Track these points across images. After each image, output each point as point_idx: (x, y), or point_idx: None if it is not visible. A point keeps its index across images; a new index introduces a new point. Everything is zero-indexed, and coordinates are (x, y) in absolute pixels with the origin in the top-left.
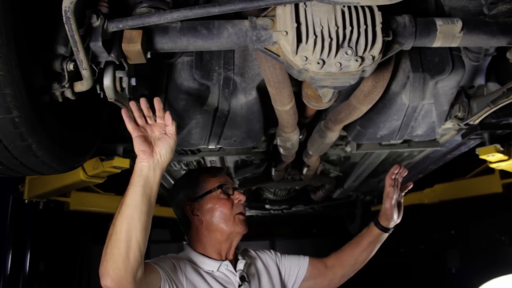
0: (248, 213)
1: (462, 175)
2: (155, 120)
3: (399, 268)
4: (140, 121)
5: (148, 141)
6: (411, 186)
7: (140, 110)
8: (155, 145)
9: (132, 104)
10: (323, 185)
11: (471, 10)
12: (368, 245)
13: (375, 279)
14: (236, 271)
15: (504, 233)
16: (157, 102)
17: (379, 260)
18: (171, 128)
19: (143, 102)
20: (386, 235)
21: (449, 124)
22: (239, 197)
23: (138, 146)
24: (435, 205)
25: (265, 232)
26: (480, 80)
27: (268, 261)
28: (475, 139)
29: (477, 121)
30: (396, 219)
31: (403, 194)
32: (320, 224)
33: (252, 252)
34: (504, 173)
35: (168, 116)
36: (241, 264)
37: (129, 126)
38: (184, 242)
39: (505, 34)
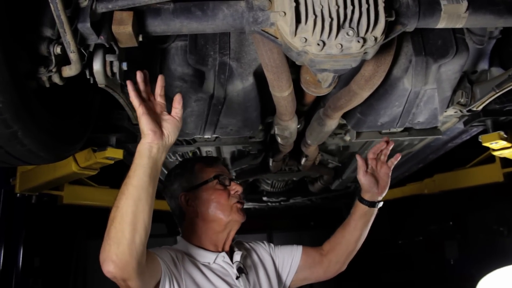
0: (245, 205)
1: (462, 165)
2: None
3: (397, 260)
4: (144, 95)
5: (156, 120)
6: (398, 158)
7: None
8: (162, 127)
9: (130, 83)
10: (321, 176)
11: None
12: (357, 223)
13: (374, 271)
14: (233, 263)
15: (503, 223)
16: (160, 79)
17: (377, 251)
18: (179, 110)
19: (139, 75)
20: (374, 210)
21: (450, 111)
22: (236, 188)
23: (148, 125)
24: (433, 196)
25: (262, 225)
26: (483, 65)
27: (263, 252)
28: (478, 126)
29: (480, 107)
30: (377, 191)
31: (390, 166)
32: (318, 216)
33: (246, 244)
34: (505, 162)
35: (179, 97)
36: (237, 256)
37: (135, 101)
38: (178, 236)
39: None
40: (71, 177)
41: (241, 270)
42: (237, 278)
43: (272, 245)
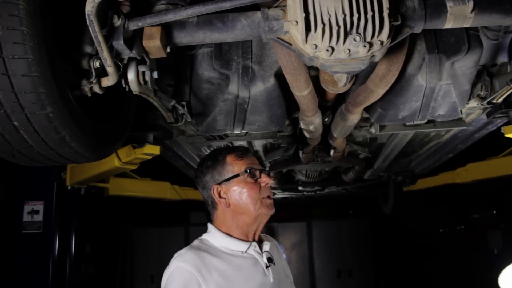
0: (281, 195)
1: (496, 154)
2: None
3: (437, 249)
4: None
5: None
6: None
7: None
8: None
9: None
10: (353, 166)
11: None
12: None
13: (413, 260)
14: (262, 252)
15: None
16: None
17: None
18: None
19: None
20: None
21: (473, 103)
22: (266, 180)
23: None
24: (474, 184)
25: (301, 213)
26: (503, 58)
27: (280, 250)
28: (502, 117)
29: (500, 100)
30: None
31: None
32: (356, 205)
33: (269, 237)
34: None
35: None
36: (267, 246)
37: None
38: (209, 224)
39: None
40: (115, 171)
41: (271, 260)
42: (267, 267)
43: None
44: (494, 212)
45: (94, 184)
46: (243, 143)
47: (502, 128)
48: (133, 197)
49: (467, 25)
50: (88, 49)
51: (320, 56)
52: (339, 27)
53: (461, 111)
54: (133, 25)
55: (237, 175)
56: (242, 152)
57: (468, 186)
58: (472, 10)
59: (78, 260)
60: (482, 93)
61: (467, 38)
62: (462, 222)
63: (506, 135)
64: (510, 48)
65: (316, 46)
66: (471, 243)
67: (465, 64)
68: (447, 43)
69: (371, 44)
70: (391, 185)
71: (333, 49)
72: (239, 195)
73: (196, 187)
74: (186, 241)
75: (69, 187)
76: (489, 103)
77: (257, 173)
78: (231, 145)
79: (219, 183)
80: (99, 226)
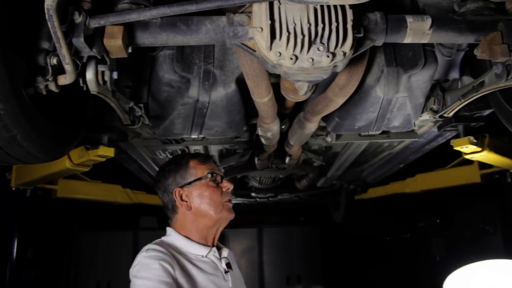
0: (234, 200)
1: (444, 165)
2: None
3: (384, 256)
4: None
5: None
6: None
7: None
8: None
9: None
10: (307, 174)
11: (444, 7)
12: None
13: (362, 267)
14: (221, 258)
15: (489, 222)
16: None
17: (365, 248)
18: None
19: None
20: None
21: (426, 116)
22: (227, 186)
23: None
24: (421, 194)
25: (253, 220)
26: (454, 74)
27: (233, 257)
28: (451, 130)
29: (450, 114)
30: None
31: None
32: (307, 212)
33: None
34: (482, 164)
35: None
36: (225, 252)
37: None
38: (168, 227)
39: (472, 32)
40: (65, 173)
41: (229, 266)
42: (226, 272)
43: None
44: (438, 221)
45: (41, 186)
46: (200, 147)
47: (451, 141)
48: (82, 200)
49: (425, 40)
50: (45, 45)
51: (284, 64)
52: (303, 36)
53: (414, 123)
54: (94, 23)
55: (200, 178)
56: (205, 158)
57: (414, 196)
58: (430, 27)
59: (20, 265)
60: (434, 107)
61: (424, 53)
62: (408, 230)
63: (455, 148)
64: (462, 65)
65: (280, 53)
66: (416, 250)
67: (421, 78)
68: (405, 57)
69: (334, 55)
70: (343, 193)
71: (297, 58)
72: (201, 198)
73: (152, 192)
74: (135, 246)
75: (13, 188)
76: (441, 116)
77: (219, 178)
78: (187, 150)
79: (181, 186)
80: (44, 230)
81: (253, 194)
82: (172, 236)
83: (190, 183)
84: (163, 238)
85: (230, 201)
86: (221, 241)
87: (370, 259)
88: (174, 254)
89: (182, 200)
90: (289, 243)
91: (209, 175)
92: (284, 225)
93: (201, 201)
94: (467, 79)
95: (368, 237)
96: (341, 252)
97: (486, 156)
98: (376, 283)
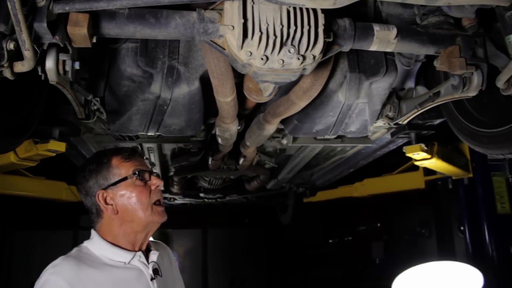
0: (182, 200)
1: (390, 171)
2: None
3: (326, 259)
4: None
5: None
6: None
7: None
8: None
9: None
10: (258, 175)
11: (405, 18)
12: None
13: (304, 269)
14: (148, 263)
15: (425, 226)
16: None
17: (307, 250)
18: None
19: None
20: None
21: (380, 123)
22: (157, 183)
23: None
24: (364, 198)
25: (197, 220)
26: (410, 83)
27: (171, 258)
28: (403, 137)
29: (405, 122)
30: None
31: None
32: (252, 214)
33: (161, 244)
34: (427, 171)
35: None
36: (154, 256)
37: None
38: (92, 230)
39: (433, 44)
40: (8, 168)
41: (157, 272)
42: (152, 279)
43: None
44: (378, 224)
45: None
46: (154, 146)
47: (404, 147)
48: (18, 197)
49: (389, 49)
50: (1, 27)
51: (254, 64)
52: (276, 37)
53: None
54: (58, 8)
55: (124, 179)
56: (129, 153)
57: (357, 200)
58: (396, 37)
59: None
60: (390, 114)
61: (385, 62)
62: (350, 233)
63: (407, 154)
64: (417, 76)
65: (251, 53)
66: (357, 253)
67: (381, 86)
68: (367, 64)
69: (304, 57)
70: (291, 195)
71: (267, 58)
72: (128, 200)
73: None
74: (74, 245)
75: None
76: (395, 124)
77: (146, 175)
78: (140, 147)
79: (105, 188)
80: None
81: (201, 195)
82: (93, 241)
83: (114, 184)
84: (84, 243)
85: (159, 201)
86: (165, 242)
87: (312, 262)
88: (83, 270)
89: (106, 203)
90: (234, 245)
91: (135, 174)
92: (229, 227)
93: (127, 204)
94: (421, 89)
95: (312, 239)
96: (284, 254)
97: (435, 163)
98: (317, 285)
